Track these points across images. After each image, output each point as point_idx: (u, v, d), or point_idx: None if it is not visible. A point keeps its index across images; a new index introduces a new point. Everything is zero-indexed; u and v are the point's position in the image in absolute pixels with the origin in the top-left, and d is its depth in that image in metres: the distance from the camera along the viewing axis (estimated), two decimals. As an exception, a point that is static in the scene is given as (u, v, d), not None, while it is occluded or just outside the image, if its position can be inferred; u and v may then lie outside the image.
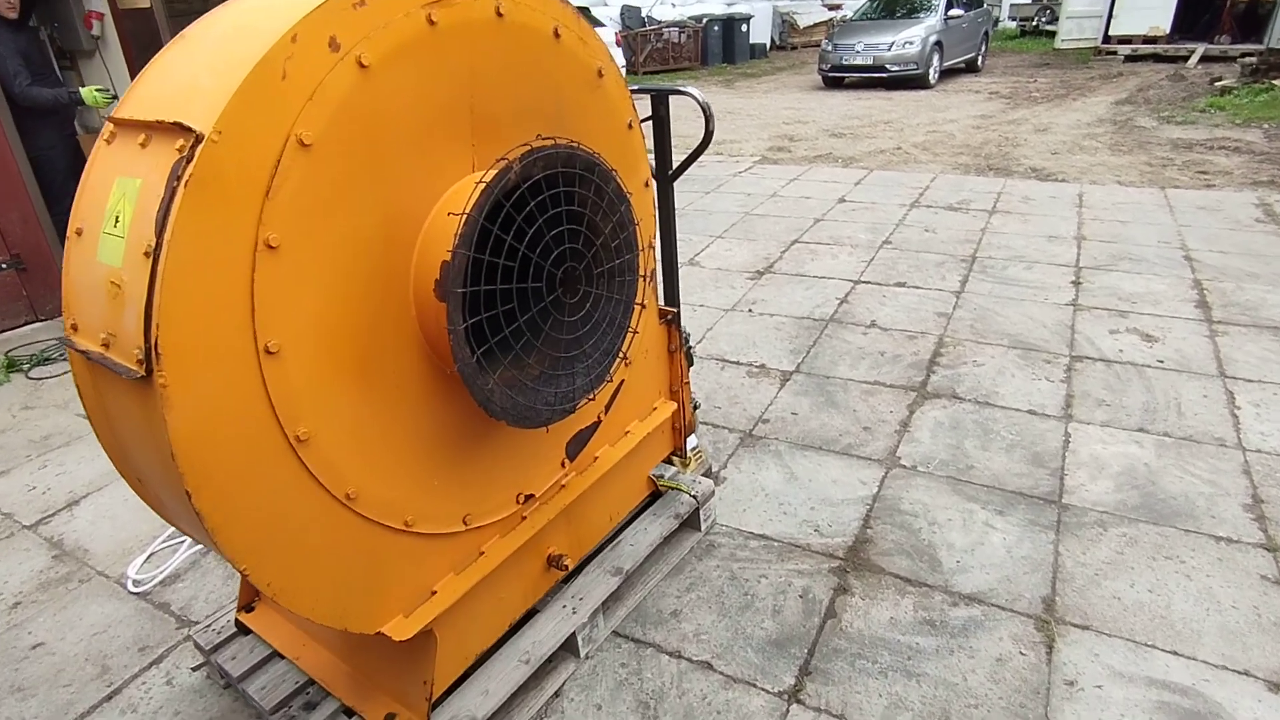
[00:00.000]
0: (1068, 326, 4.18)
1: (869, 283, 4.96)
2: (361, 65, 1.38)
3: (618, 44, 14.93)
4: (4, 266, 4.79)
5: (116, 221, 1.31)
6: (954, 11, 14.77)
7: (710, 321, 4.55)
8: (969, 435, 3.29)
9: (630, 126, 2.09)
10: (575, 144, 1.67)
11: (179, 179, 1.20)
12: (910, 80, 14.15)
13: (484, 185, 1.49)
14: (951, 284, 4.84)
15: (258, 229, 1.29)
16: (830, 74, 14.87)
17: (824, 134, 10.18)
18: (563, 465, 2.19)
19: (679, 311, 2.55)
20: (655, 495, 2.75)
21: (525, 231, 1.56)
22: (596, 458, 2.33)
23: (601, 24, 15.34)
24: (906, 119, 11.01)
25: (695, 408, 2.94)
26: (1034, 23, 23.18)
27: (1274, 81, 10.56)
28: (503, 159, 1.53)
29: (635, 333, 1.96)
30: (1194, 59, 14.98)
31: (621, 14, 19.32)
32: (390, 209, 1.51)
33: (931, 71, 14.19)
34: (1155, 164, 7.57)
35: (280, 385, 1.38)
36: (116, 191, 1.33)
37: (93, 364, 1.38)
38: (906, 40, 13.89)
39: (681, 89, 2.69)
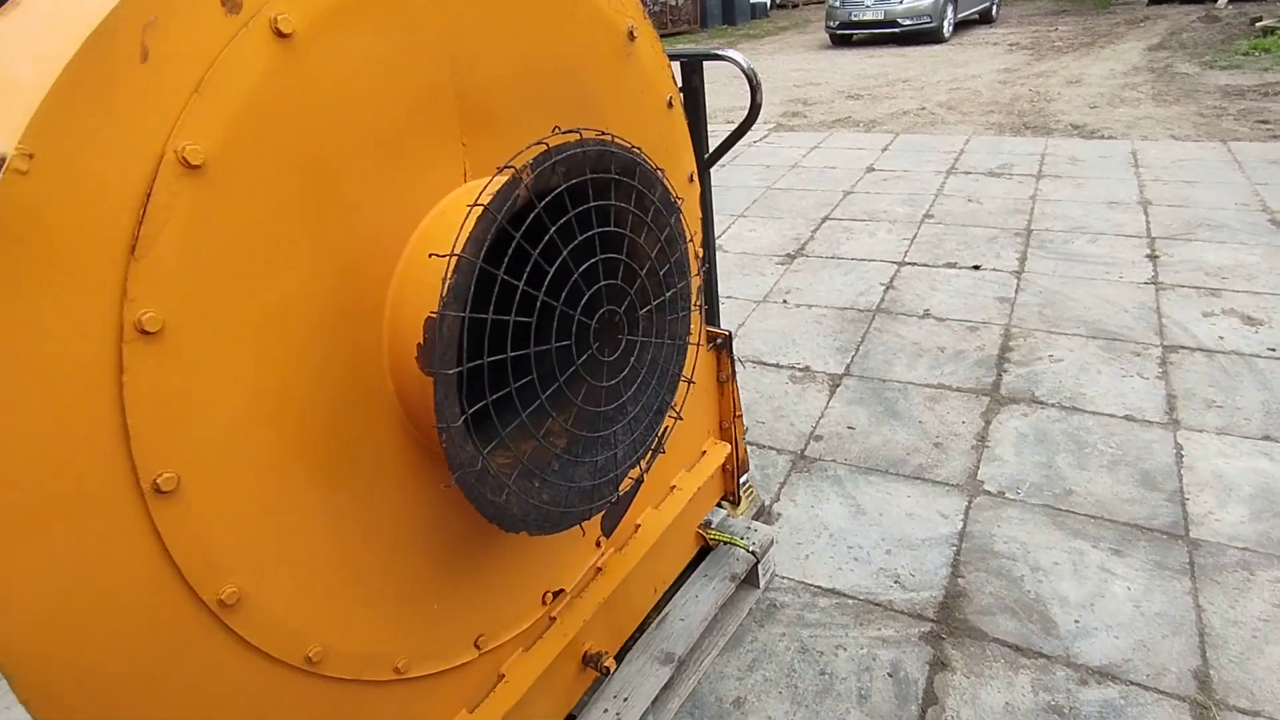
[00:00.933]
0: (1152, 309, 3.67)
1: (915, 264, 4.44)
2: (280, 33, 0.88)
3: (614, 8, 14.13)
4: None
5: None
6: (967, -40, 13.96)
7: (741, 315, 4.06)
8: (1060, 450, 2.81)
9: (670, 105, 1.58)
10: (607, 137, 1.17)
11: (-30, 236, 0.71)
12: (924, 34, 13.41)
13: (481, 210, 0.99)
14: (1009, 262, 4.32)
15: (121, 307, 0.80)
16: (839, 31, 14.12)
17: (840, 96, 9.55)
18: (598, 544, 1.72)
19: (731, 334, 2.05)
20: (704, 548, 2.28)
21: (544, 269, 1.07)
22: (639, 526, 1.87)
23: (596, -13, 14.54)
24: (925, 76, 10.35)
25: (742, 418, 2.46)
26: (1046, -32, 22.17)
27: (1320, 19, 9.85)
28: (507, 166, 1.03)
29: (691, 381, 1.48)
30: (1223, -1, 14.18)
31: (615, -24, 18.43)
32: (345, 249, 1.02)
33: (946, 24, 13.44)
34: (1208, 114, 6.96)
35: (183, 534, 0.91)
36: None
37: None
38: (917, -8, 13.13)
39: (720, 53, 2.17)
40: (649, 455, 1.45)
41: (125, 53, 0.77)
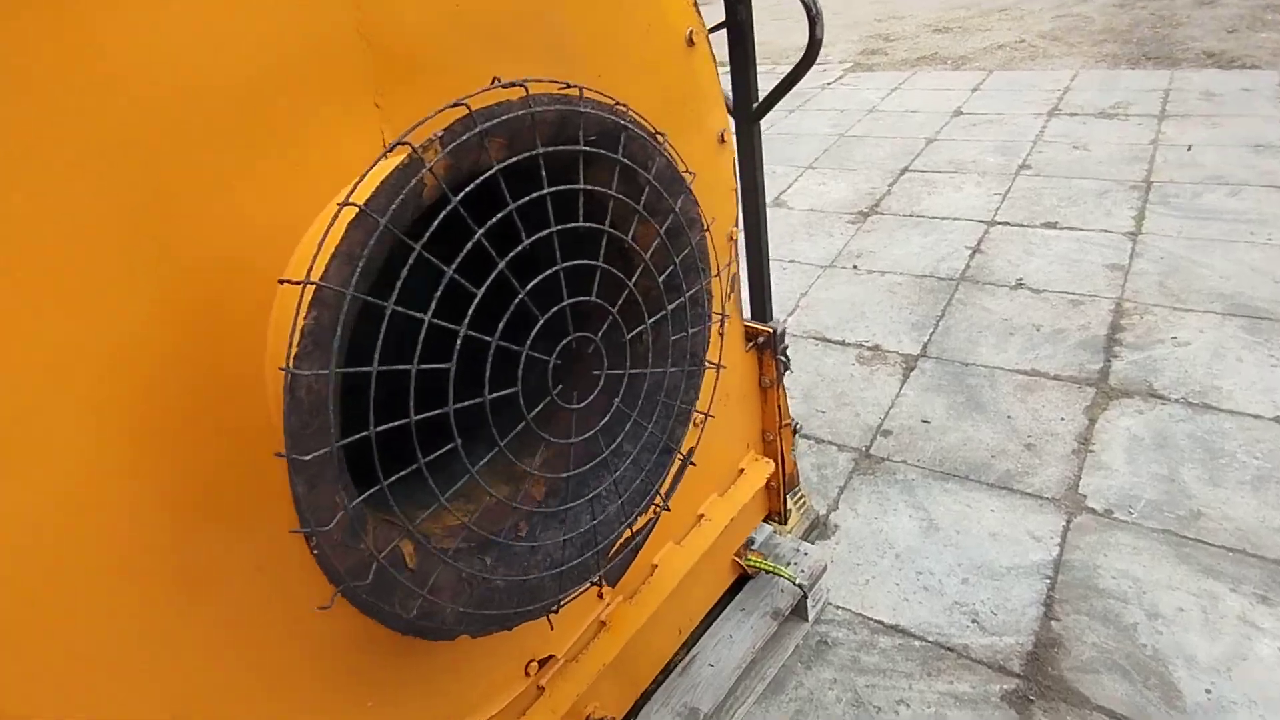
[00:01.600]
0: (1307, 280, 3.05)
1: (1007, 224, 3.87)
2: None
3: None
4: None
5: None
6: None
7: (804, 283, 3.62)
8: (1186, 459, 2.32)
9: (690, 41, 1.18)
10: (573, 90, 0.81)
11: None
12: (1025, -44, 12.06)
13: (355, 213, 0.65)
14: (1122, 222, 3.71)
15: None
16: (928, -44, 12.87)
17: (925, 30, 8.66)
18: (599, 595, 1.41)
19: (779, 329, 1.67)
20: (742, 576, 1.95)
21: (468, 292, 0.73)
22: (655, 566, 1.54)
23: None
24: (1025, 3, 9.27)
25: (795, 431, 2.09)
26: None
27: None
28: (400, 142, 0.68)
29: (710, 415, 1.12)
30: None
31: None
32: (173, 272, 0.70)
33: (1051, -57, 12.03)
34: (1371, 38, 5.91)
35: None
36: None
37: None
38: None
39: (771, -27, 1.73)
40: (652, 500, 1.12)
41: None
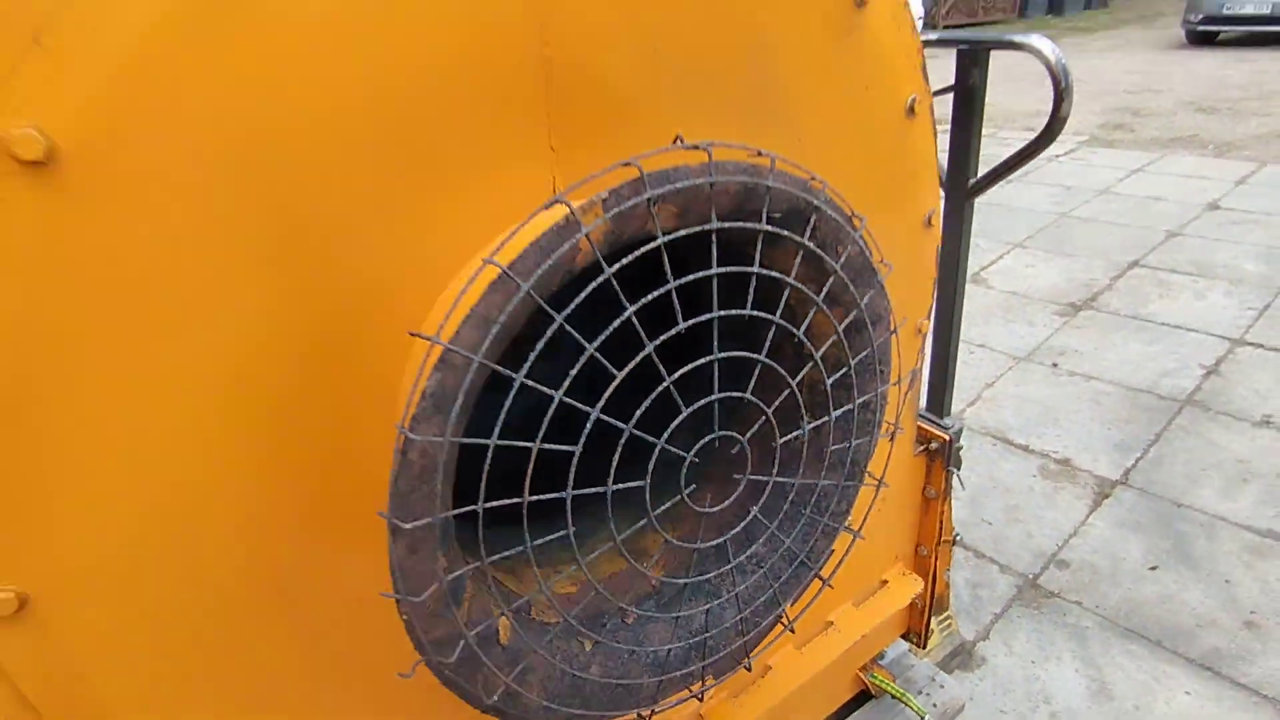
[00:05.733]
0: None
1: (1260, 346, 3.29)
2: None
3: (917, -9, 12.84)
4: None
5: None
6: None
7: (991, 373, 3.27)
8: None
9: (912, 111, 1.05)
10: (764, 159, 0.71)
11: None
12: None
13: (501, 275, 0.59)
14: None
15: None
16: (1200, 27, 11.54)
17: (1185, 107, 7.72)
18: (698, 698, 1.28)
19: (956, 434, 1.46)
20: (863, 691, 1.74)
21: (608, 372, 0.65)
22: (769, 668, 1.39)
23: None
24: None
25: (953, 543, 1.84)
26: None
27: None
28: (556, 201, 0.62)
29: (860, 537, 0.97)
30: None
31: (928, -43, 16.85)
32: (332, 306, 0.69)
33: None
34: None
35: (34, 666, 0.64)
36: None
37: None
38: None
39: (1017, 39, 1.54)
40: (779, 615, 0.99)
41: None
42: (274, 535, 0.74)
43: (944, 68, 1.41)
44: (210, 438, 0.66)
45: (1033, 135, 1.55)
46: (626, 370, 0.65)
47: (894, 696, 1.70)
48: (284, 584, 0.77)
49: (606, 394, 0.65)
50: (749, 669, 0.99)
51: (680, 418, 0.70)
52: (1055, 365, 3.29)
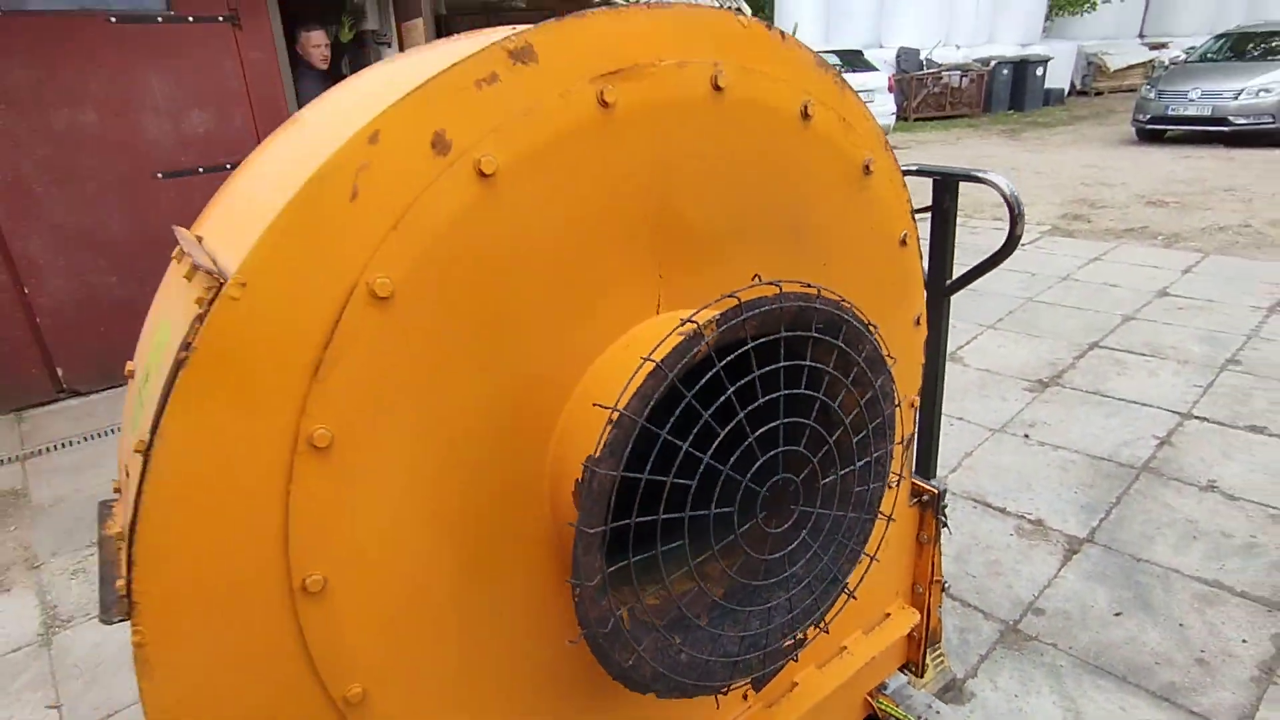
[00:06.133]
0: None
1: (1205, 419, 3.68)
2: (482, 174, 0.90)
3: (890, 89, 13.87)
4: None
5: (146, 380, 0.94)
6: (1332, 53, 11.79)
7: (970, 443, 3.63)
8: (1394, 718, 2.10)
9: (904, 243, 1.43)
10: (813, 290, 1.06)
11: (186, 348, 0.79)
12: (1262, 136, 11.47)
13: (652, 366, 0.93)
14: (1345, 439, 3.42)
15: (299, 422, 0.85)
16: (1149, 125, 12.56)
17: (1137, 201, 8.42)
18: (745, 698, 1.56)
19: (942, 491, 1.80)
20: (870, 716, 2.00)
21: (714, 431, 0.98)
22: (795, 684, 1.67)
23: (875, 68, 14.39)
24: (1256, 186, 8.79)
25: (944, 589, 2.14)
26: None
27: None
28: (688, 321, 0.96)
29: (876, 559, 1.29)
30: None
31: (897, 57, 18.15)
32: (517, 375, 1.02)
33: (1299, 126, 11.39)
34: None
35: (323, 633, 0.93)
36: (161, 335, 0.97)
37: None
38: (1263, 87, 11.29)
39: (980, 175, 1.96)
40: (816, 620, 1.29)
41: (338, 194, 0.82)
42: (479, 540, 1.04)
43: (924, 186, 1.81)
44: (463, 465, 0.98)
45: (1000, 225, 1.94)
46: (727, 429, 0.98)
47: (898, 719, 1.97)
48: (483, 575, 1.07)
49: (713, 445, 0.98)
50: (785, 663, 1.28)
51: (758, 462, 1.03)
52: (1027, 436, 3.66)
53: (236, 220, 0.93)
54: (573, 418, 1.07)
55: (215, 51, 4.44)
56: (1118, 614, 2.53)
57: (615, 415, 0.91)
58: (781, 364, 1.03)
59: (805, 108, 1.18)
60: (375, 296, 0.86)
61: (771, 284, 1.03)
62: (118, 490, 1.11)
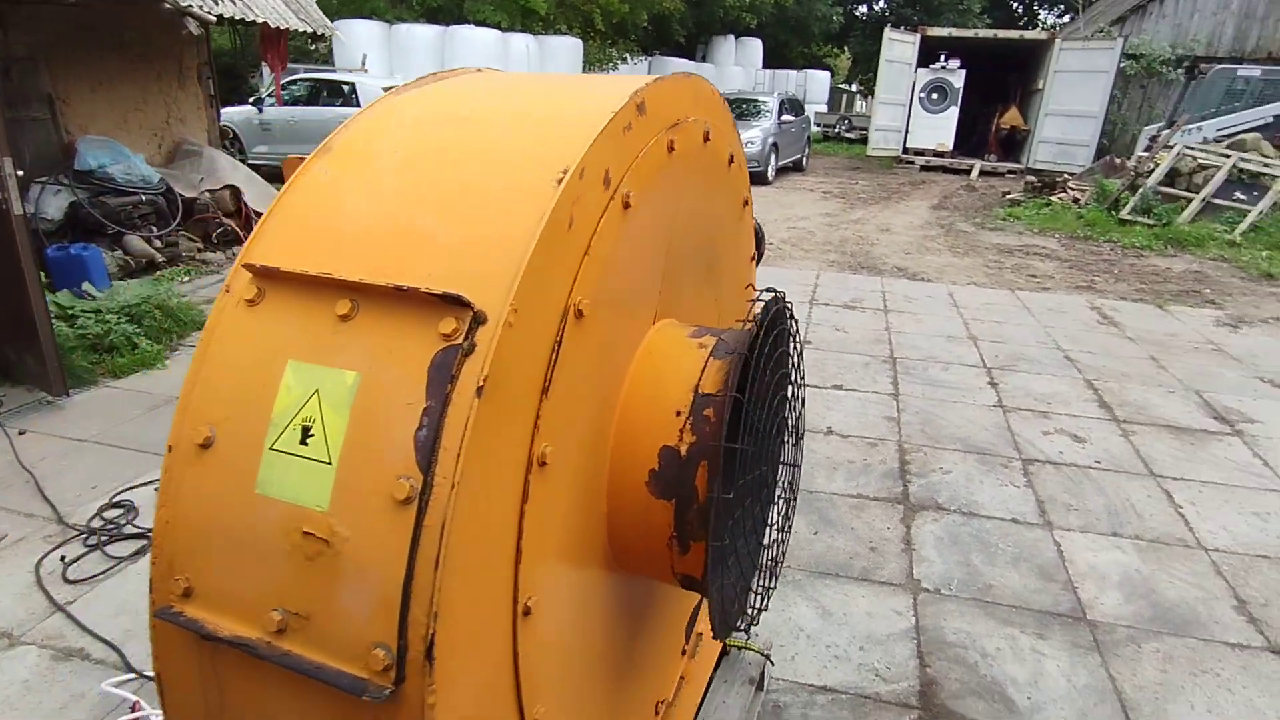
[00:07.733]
0: (1005, 429, 4.43)
1: (810, 385, 4.99)
2: (626, 204, 1.05)
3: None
4: None
5: (306, 435, 0.85)
6: (785, 117, 16.27)
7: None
8: (972, 550, 3.29)
9: (746, 204, 1.85)
10: (780, 293, 1.42)
11: (455, 380, 0.80)
12: (752, 177, 15.22)
13: (735, 357, 1.19)
14: (885, 386, 5.01)
15: (532, 441, 0.90)
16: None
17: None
18: (683, 653, 1.83)
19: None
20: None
21: (755, 404, 1.27)
22: (700, 634, 1.98)
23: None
24: (762, 215, 11.69)
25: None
26: (835, 129, 26.33)
27: (1050, 197, 12.55)
28: (746, 320, 1.24)
29: (793, 499, 1.69)
30: (975, 172, 17.54)
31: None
32: (614, 375, 1.16)
33: (770, 169, 15.37)
34: (992, 266, 8.56)
35: (531, 654, 0.96)
36: (293, 384, 0.88)
37: (228, 656, 0.88)
38: (749, 140, 14.99)
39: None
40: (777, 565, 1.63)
41: (563, 223, 0.91)
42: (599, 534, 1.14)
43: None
44: (596, 470, 1.08)
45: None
46: (769, 390, 1.28)
47: (741, 648, 2.41)
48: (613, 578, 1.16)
49: (765, 409, 1.27)
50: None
51: (776, 421, 1.35)
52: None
53: (399, 256, 0.89)
54: (624, 420, 1.24)
55: None
56: (815, 533, 3.39)
57: (727, 399, 1.14)
58: (785, 348, 1.36)
59: (731, 155, 1.53)
60: (579, 315, 0.95)
61: (771, 289, 1.36)
62: (187, 592, 0.90)
